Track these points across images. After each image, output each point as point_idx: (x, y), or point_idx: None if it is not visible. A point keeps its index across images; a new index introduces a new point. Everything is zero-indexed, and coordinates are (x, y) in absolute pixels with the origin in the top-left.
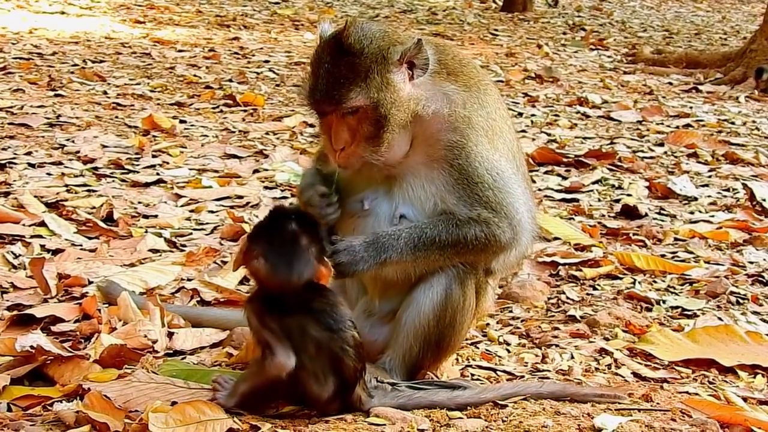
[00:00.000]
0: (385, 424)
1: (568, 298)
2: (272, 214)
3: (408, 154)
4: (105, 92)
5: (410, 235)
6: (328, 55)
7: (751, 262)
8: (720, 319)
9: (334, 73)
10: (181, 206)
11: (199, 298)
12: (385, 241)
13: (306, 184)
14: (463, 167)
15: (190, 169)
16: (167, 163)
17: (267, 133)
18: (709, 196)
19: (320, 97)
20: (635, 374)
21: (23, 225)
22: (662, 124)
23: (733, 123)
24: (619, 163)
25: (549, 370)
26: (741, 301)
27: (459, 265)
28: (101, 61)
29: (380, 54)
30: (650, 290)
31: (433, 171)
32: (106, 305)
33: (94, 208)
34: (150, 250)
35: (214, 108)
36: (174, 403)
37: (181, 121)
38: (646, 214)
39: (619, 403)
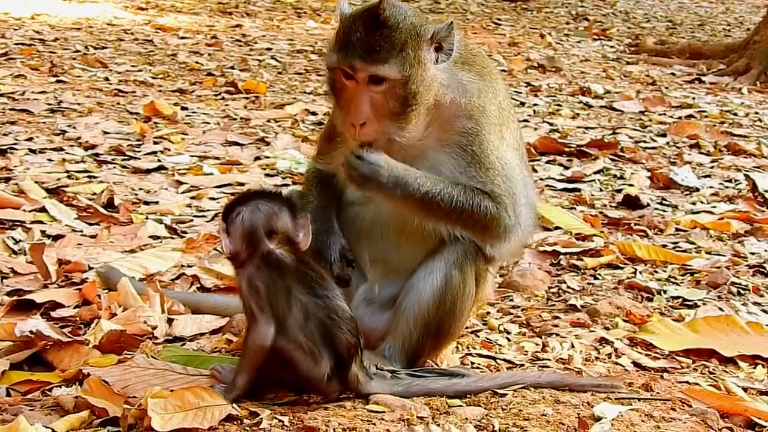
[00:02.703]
0: (384, 411)
1: (568, 287)
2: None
3: (419, 139)
4: (107, 78)
5: (432, 182)
6: (362, 26)
7: (753, 253)
8: (721, 309)
9: (370, 41)
10: (182, 193)
11: (199, 285)
12: (409, 175)
13: (331, 241)
14: (476, 153)
15: (192, 156)
16: (168, 149)
17: (269, 121)
18: (710, 187)
19: (354, 53)
20: (635, 364)
21: (24, 210)
22: (665, 114)
23: (735, 114)
24: (621, 153)
25: (549, 359)
26: (742, 291)
27: (458, 252)
28: (103, 48)
29: (414, 30)
30: (651, 280)
31: (443, 155)
32: (106, 291)
33: (94, 194)
34: (151, 237)
35: (215, 95)
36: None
37: (183, 108)
38: (648, 205)
39: (619, 393)
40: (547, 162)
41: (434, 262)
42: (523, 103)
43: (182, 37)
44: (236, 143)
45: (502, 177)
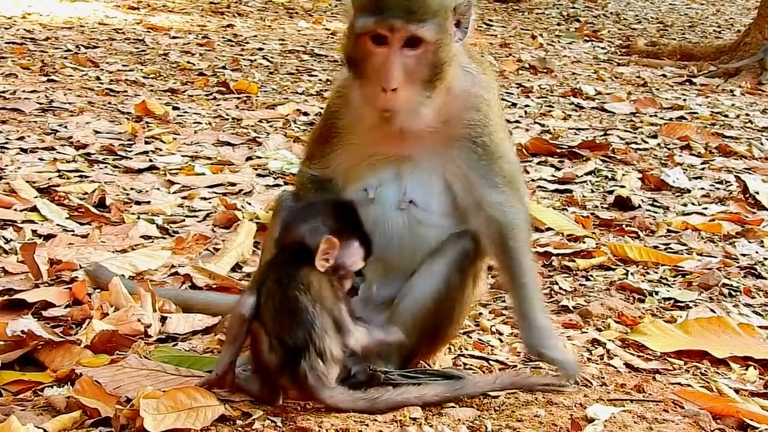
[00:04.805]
0: (377, 413)
1: (560, 288)
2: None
3: (425, 131)
4: (98, 78)
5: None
6: None
7: (744, 255)
8: (712, 310)
9: (408, 2)
10: (174, 193)
11: (190, 284)
12: None
13: None
14: (487, 144)
15: (183, 156)
16: (160, 149)
17: (260, 121)
18: (702, 189)
19: (392, 14)
20: (627, 365)
21: (15, 210)
22: (656, 116)
23: (726, 116)
24: (612, 155)
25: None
26: (733, 293)
27: (458, 254)
28: (94, 47)
29: None
30: (643, 281)
31: (452, 150)
32: (96, 290)
33: (86, 193)
34: (142, 237)
35: (207, 95)
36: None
37: (175, 108)
38: (639, 206)
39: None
40: (539, 163)
41: (434, 264)
42: (514, 104)
43: (174, 37)
44: (228, 143)
45: (511, 165)
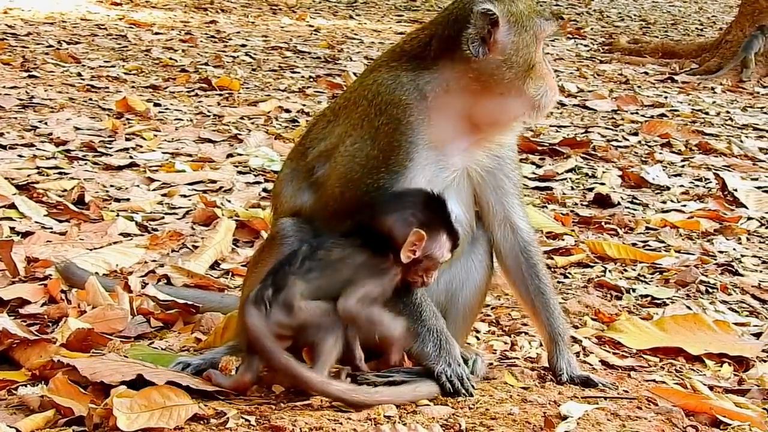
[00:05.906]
0: (351, 411)
1: None
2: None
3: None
4: (79, 74)
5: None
6: None
7: (721, 252)
8: (689, 308)
9: None
10: (154, 190)
11: (165, 283)
12: None
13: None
14: (515, 152)
15: (164, 153)
16: (140, 146)
17: (242, 118)
18: (681, 186)
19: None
20: (603, 362)
21: None
22: (637, 113)
23: (707, 113)
24: (593, 152)
25: (518, 358)
26: (710, 290)
27: (489, 245)
28: (76, 43)
29: None
30: (620, 279)
31: (497, 159)
32: (69, 288)
33: (65, 190)
34: (121, 234)
35: (189, 92)
36: (141, 383)
37: (156, 105)
38: (619, 203)
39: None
40: (520, 160)
41: (476, 256)
42: None
43: (156, 33)
44: (209, 140)
45: None
